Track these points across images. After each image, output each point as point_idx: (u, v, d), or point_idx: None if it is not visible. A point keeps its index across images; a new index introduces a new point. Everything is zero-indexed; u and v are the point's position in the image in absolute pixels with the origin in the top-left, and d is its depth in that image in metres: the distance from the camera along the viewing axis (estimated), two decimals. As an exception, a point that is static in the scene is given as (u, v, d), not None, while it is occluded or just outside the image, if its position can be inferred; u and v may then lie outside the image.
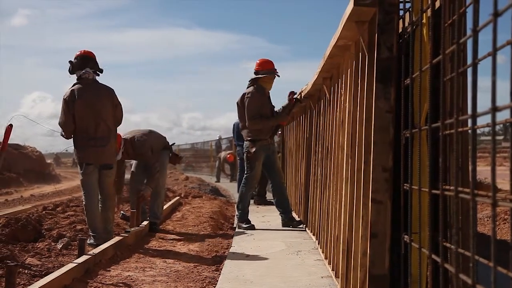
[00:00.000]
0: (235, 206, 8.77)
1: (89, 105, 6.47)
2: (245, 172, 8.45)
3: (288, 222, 8.21)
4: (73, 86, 6.55)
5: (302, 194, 8.37)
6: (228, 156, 24.03)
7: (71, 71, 6.65)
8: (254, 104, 8.16)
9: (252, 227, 8.08)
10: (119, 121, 6.84)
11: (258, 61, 8.43)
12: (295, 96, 8.48)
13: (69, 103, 6.44)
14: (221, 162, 25.00)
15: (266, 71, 8.29)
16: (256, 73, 8.35)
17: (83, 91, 6.50)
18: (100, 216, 6.52)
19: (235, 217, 8.56)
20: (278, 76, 8.43)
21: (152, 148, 7.98)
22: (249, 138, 8.28)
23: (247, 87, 8.39)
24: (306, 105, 8.15)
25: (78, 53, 6.67)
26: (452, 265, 1.71)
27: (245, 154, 8.45)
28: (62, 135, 6.62)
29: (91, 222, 6.46)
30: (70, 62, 6.65)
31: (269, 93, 8.44)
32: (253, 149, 8.20)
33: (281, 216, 8.30)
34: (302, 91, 8.13)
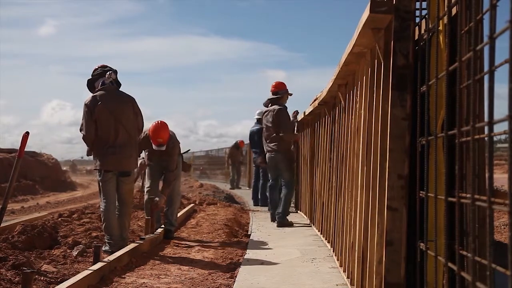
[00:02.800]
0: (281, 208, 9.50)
1: (111, 110, 6.50)
2: (287, 179, 9.62)
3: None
4: (95, 92, 6.59)
5: (317, 202, 8.36)
6: (240, 141, 24.10)
7: (90, 85, 6.71)
8: (288, 119, 9.59)
9: (291, 224, 9.24)
10: (140, 130, 6.89)
11: (274, 84, 9.81)
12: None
13: (91, 108, 6.48)
14: (228, 158, 24.87)
15: (284, 91, 9.72)
16: (275, 93, 9.71)
17: (105, 97, 6.54)
18: (117, 223, 6.55)
19: (277, 217, 9.40)
20: (291, 94, 9.87)
21: (179, 151, 8.10)
22: (280, 147, 9.54)
23: (270, 105, 9.75)
24: (320, 112, 8.15)
25: (96, 67, 6.75)
26: (469, 274, 1.70)
27: (285, 162, 9.60)
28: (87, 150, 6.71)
29: (108, 228, 6.47)
30: (89, 80, 6.72)
31: None
32: (291, 156, 9.73)
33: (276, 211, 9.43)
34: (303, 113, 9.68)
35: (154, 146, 7.58)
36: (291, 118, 10.05)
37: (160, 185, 8.37)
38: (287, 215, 9.56)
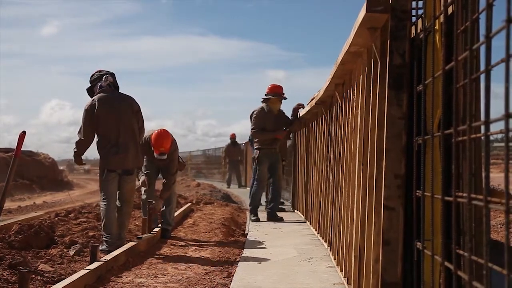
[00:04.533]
0: (249, 202, 10.55)
1: (111, 111, 6.55)
2: (254, 175, 10.42)
3: (271, 218, 9.94)
4: (94, 96, 6.64)
5: (314, 201, 8.36)
6: (232, 134, 24.21)
7: (90, 92, 6.77)
8: (257, 120, 10.11)
9: (258, 220, 9.82)
10: (141, 127, 6.90)
11: (269, 86, 10.30)
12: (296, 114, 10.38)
13: (90, 112, 6.54)
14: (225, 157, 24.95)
15: (272, 94, 10.17)
16: (266, 95, 10.24)
17: (104, 99, 6.59)
18: (116, 222, 6.55)
19: (248, 217, 10.40)
20: (285, 98, 10.28)
21: (178, 155, 8.13)
22: (256, 147, 10.26)
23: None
24: (318, 111, 8.16)
25: (93, 73, 6.85)
26: (465, 273, 1.70)
27: (253, 159, 10.54)
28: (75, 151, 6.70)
29: (107, 227, 6.47)
30: (89, 87, 6.78)
31: (279, 111, 10.28)
32: (258, 156, 10.16)
33: (267, 210, 10.22)
34: (300, 111, 10.04)
35: (156, 155, 7.58)
36: (295, 111, 10.47)
37: (157, 184, 8.37)
38: (283, 210, 10.50)
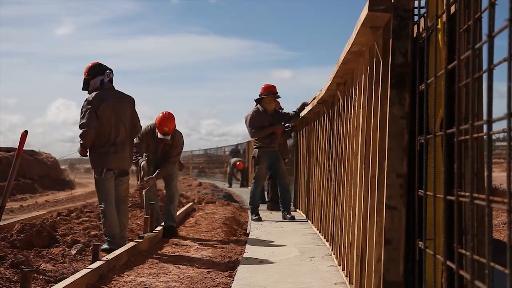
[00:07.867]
0: (248, 202, 10.61)
1: (114, 109, 6.49)
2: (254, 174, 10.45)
3: (285, 216, 9.93)
4: (94, 91, 6.54)
5: (316, 200, 8.36)
6: (238, 163, 24.12)
7: (86, 85, 6.65)
8: (252, 120, 10.05)
9: (259, 219, 9.78)
10: (138, 131, 6.89)
11: (263, 86, 10.24)
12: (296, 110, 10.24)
13: (96, 105, 6.40)
14: (231, 167, 25.03)
15: (266, 93, 10.08)
16: (259, 95, 10.17)
17: (107, 95, 6.51)
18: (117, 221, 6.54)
19: (249, 216, 10.40)
20: (278, 97, 10.22)
21: (181, 149, 8.32)
22: (254, 146, 10.30)
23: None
24: (319, 111, 8.16)
25: (89, 65, 6.68)
26: (467, 272, 1.70)
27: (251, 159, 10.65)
28: (81, 144, 6.51)
29: (110, 227, 6.44)
30: (85, 79, 6.66)
31: (275, 110, 10.18)
32: (257, 155, 10.10)
33: (281, 209, 10.12)
34: (304, 107, 9.92)
35: (159, 135, 7.71)
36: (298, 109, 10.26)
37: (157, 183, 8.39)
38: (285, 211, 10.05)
